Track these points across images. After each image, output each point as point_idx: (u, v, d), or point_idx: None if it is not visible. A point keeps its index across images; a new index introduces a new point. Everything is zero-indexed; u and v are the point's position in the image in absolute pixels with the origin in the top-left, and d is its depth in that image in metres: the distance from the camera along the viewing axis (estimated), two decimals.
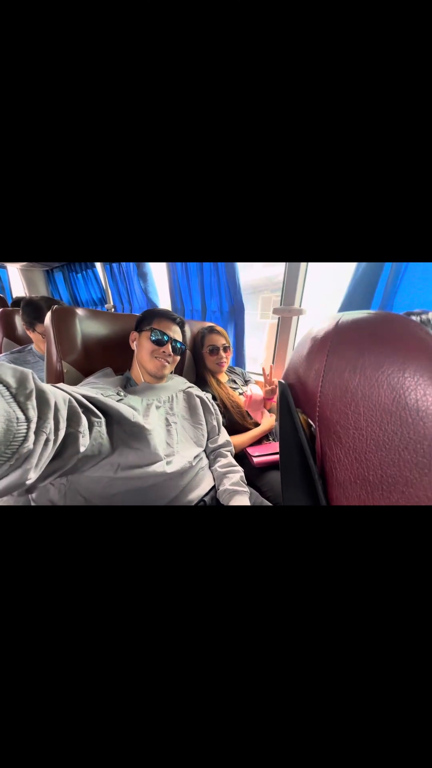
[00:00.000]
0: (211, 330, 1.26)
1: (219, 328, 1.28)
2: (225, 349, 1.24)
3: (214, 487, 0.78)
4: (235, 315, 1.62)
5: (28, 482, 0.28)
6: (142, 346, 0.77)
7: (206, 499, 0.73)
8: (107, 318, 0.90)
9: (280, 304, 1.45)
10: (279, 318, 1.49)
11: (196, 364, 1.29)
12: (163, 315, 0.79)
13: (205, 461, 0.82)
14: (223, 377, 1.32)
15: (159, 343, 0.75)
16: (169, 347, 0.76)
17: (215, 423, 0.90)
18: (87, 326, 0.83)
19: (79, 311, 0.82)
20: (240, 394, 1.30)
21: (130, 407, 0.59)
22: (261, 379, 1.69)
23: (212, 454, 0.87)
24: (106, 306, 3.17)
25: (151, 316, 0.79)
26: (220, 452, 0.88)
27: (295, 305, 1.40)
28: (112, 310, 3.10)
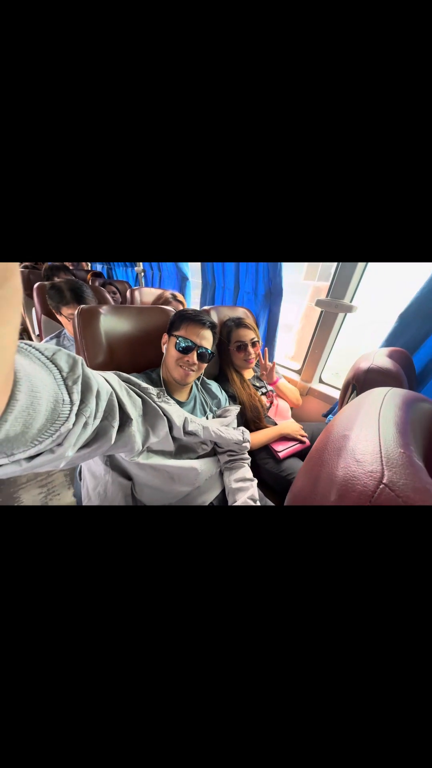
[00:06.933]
0: (239, 324, 1.10)
1: (248, 321, 1.12)
2: (254, 344, 1.09)
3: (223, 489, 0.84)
4: (270, 300, 1.43)
5: (66, 458, 0.32)
6: (169, 351, 0.76)
7: (214, 502, 0.81)
8: (130, 313, 0.86)
9: (327, 296, 1.24)
10: (322, 311, 1.29)
11: (220, 358, 1.16)
12: (193, 319, 0.75)
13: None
14: (249, 373, 1.19)
15: (185, 351, 0.73)
16: (194, 356, 0.74)
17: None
18: (110, 323, 0.80)
19: (103, 309, 0.79)
20: (263, 394, 1.17)
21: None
22: (290, 374, 1.54)
23: (228, 463, 0.87)
24: (135, 269, 3.06)
25: (181, 320, 0.76)
26: (237, 462, 0.87)
27: (345, 300, 1.19)
28: (142, 273, 2.97)
